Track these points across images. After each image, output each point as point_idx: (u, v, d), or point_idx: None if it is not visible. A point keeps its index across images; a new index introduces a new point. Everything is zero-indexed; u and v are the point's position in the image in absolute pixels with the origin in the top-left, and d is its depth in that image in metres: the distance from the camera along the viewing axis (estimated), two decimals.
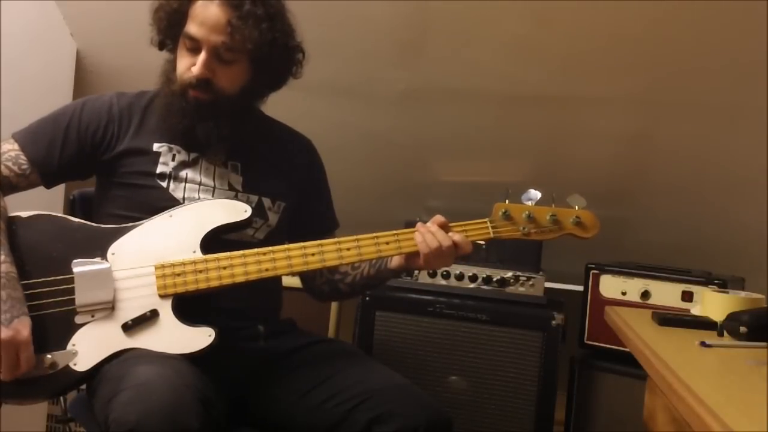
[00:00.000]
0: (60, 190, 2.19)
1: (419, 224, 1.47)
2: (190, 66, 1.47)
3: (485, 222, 1.50)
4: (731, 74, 2.08)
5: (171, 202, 1.46)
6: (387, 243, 1.45)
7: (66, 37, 2.42)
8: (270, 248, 1.42)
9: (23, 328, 1.28)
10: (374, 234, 1.46)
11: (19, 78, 2.16)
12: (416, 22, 2.19)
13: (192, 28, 1.46)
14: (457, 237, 1.45)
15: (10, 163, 1.46)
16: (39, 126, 1.52)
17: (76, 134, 1.50)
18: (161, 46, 1.53)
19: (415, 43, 2.24)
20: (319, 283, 1.65)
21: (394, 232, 1.46)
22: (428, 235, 1.44)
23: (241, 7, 1.44)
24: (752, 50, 1.98)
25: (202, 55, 1.45)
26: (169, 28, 1.49)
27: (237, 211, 1.45)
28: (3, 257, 1.32)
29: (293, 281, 1.64)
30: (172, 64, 1.51)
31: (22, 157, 1.47)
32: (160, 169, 1.49)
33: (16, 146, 1.48)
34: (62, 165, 1.50)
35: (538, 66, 2.20)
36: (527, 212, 1.50)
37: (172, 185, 1.48)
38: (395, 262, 1.52)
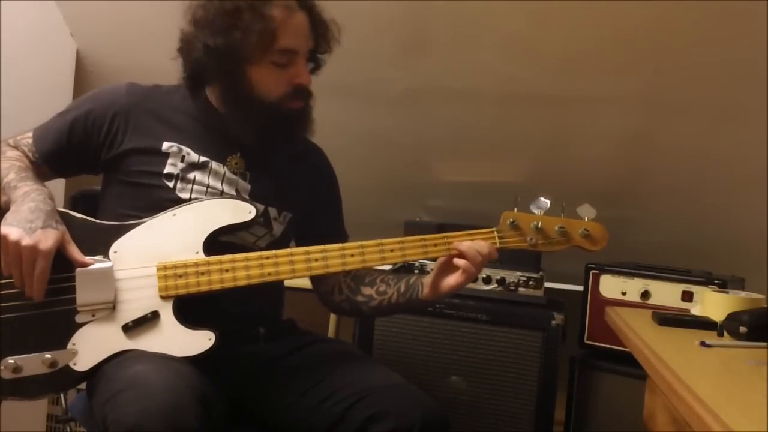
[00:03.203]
0: (61, 188, 2.20)
1: (459, 244, 1.44)
2: (287, 80, 1.46)
3: (492, 232, 1.47)
4: (731, 74, 2.08)
5: (176, 203, 1.44)
6: (392, 250, 1.44)
7: (66, 37, 2.42)
8: (273, 252, 1.41)
9: (46, 239, 1.30)
10: (379, 241, 1.44)
11: (19, 78, 2.16)
12: (416, 22, 2.19)
13: (287, 41, 1.44)
14: (485, 243, 1.43)
15: (26, 149, 1.51)
16: (51, 120, 1.53)
17: (82, 128, 1.49)
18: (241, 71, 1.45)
19: (415, 43, 2.24)
20: (338, 300, 1.60)
21: (400, 239, 1.45)
22: (472, 249, 1.42)
23: (314, 9, 1.49)
24: (752, 50, 1.98)
25: (302, 64, 1.47)
26: (259, 52, 1.43)
27: (241, 211, 1.44)
28: (30, 183, 1.39)
29: (294, 281, 1.63)
30: (239, 84, 1.46)
31: (34, 147, 1.50)
32: (167, 169, 1.47)
33: (31, 138, 1.52)
34: (69, 159, 1.50)
35: (537, 66, 2.20)
36: (536, 222, 1.47)
37: (179, 185, 1.46)
38: (427, 290, 1.49)
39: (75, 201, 1.67)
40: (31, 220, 1.31)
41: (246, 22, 1.41)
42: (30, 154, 1.50)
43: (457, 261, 1.43)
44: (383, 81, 2.33)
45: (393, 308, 1.55)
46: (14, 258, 1.29)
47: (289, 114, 1.49)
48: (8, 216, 1.33)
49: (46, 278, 1.31)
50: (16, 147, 1.51)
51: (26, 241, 1.28)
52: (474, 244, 1.43)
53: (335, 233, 1.64)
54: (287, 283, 1.60)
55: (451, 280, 1.45)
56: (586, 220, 1.49)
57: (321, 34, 1.51)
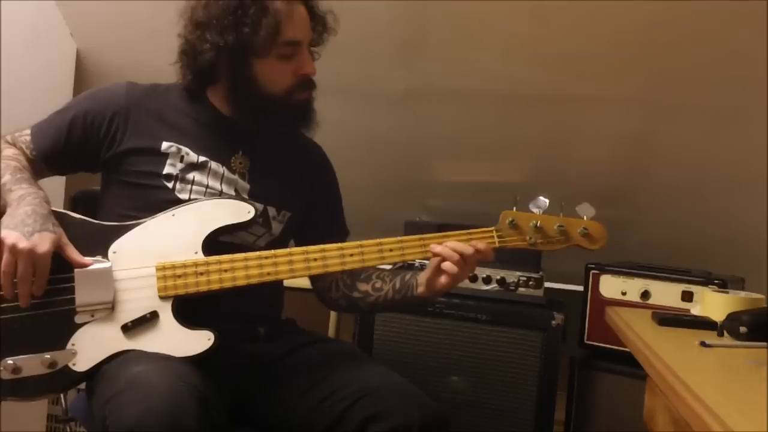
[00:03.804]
0: (60, 189, 2.20)
1: (434, 246, 1.42)
2: (292, 71, 1.48)
3: (491, 231, 1.46)
4: (731, 74, 2.07)
5: (176, 204, 1.44)
6: (391, 250, 1.44)
7: (66, 37, 2.42)
8: (272, 251, 1.41)
9: (43, 242, 1.30)
10: (378, 240, 1.44)
11: (19, 78, 2.16)
12: (416, 22, 2.19)
13: (292, 33, 1.46)
14: (480, 245, 1.42)
15: (24, 146, 1.50)
16: (50, 117, 1.53)
17: (80, 127, 1.49)
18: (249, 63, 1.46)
19: (415, 43, 2.24)
20: (335, 297, 1.61)
21: (399, 238, 1.44)
22: (447, 249, 1.41)
23: (311, 1, 1.52)
24: (752, 50, 1.98)
25: (306, 54, 1.50)
26: (266, 46, 1.44)
27: (240, 211, 1.44)
28: (26, 186, 1.38)
29: (294, 281, 1.63)
30: (248, 81, 1.47)
31: (31, 145, 1.50)
32: (167, 170, 1.47)
33: (29, 135, 1.51)
34: (67, 158, 1.50)
35: (537, 66, 2.20)
36: (535, 222, 1.46)
37: (178, 186, 1.46)
38: (422, 289, 1.49)
39: (75, 201, 1.67)
40: (27, 224, 1.31)
41: (252, 16, 1.43)
42: (28, 152, 1.49)
43: (443, 264, 1.42)
44: (383, 81, 2.32)
45: (389, 304, 1.56)
46: (11, 262, 1.29)
47: (296, 106, 1.51)
48: (4, 220, 1.33)
49: (45, 281, 1.31)
50: (14, 144, 1.50)
51: (23, 244, 1.28)
52: (451, 244, 1.42)
53: (336, 230, 1.65)
54: (287, 282, 1.60)
55: (442, 280, 1.44)
56: (585, 218, 1.48)
57: (320, 25, 1.55)
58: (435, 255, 1.43)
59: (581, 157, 2.41)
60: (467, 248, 1.41)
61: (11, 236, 1.29)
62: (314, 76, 1.52)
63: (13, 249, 1.28)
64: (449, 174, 2.62)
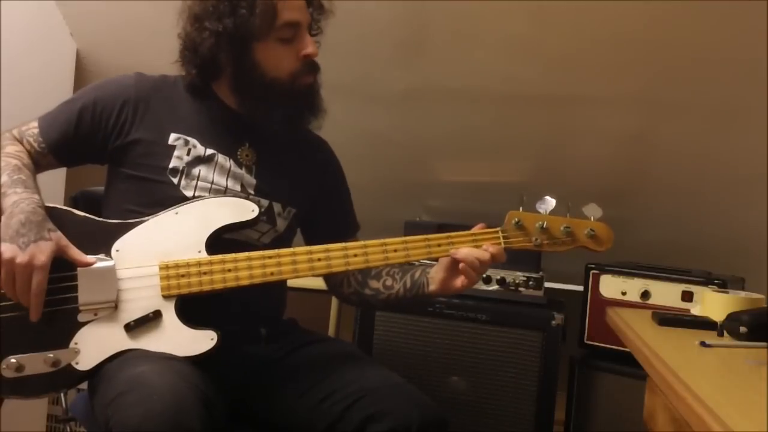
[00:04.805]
0: (61, 189, 2.20)
1: (459, 251, 1.42)
2: (295, 54, 1.48)
3: (497, 232, 1.46)
4: (731, 74, 2.08)
5: (181, 201, 1.44)
6: (395, 250, 1.43)
7: (66, 37, 2.42)
8: (276, 251, 1.41)
9: (40, 253, 1.29)
10: (383, 240, 1.43)
11: (19, 78, 2.16)
12: (416, 22, 2.19)
13: (290, 15, 1.47)
14: (492, 249, 1.43)
15: (31, 139, 1.49)
16: (58, 108, 1.52)
17: (90, 117, 1.48)
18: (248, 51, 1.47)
19: (415, 43, 2.24)
20: (347, 293, 1.62)
21: (403, 239, 1.44)
22: (470, 256, 1.42)
23: None
24: (752, 50, 1.98)
25: (307, 36, 1.50)
26: (265, 28, 1.45)
27: (244, 210, 1.43)
28: (20, 191, 1.35)
29: (295, 281, 1.63)
30: (251, 68, 1.48)
31: (40, 137, 1.49)
32: (173, 163, 1.46)
33: (37, 128, 1.50)
34: (76, 148, 1.49)
35: (537, 65, 2.20)
36: (541, 222, 1.45)
37: (183, 182, 1.46)
38: (434, 287, 1.50)
39: (75, 201, 1.66)
40: (23, 234, 1.29)
41: (247, 0, 1.43)
42: (36, 145, 1.48)
43: (462, 268, 1.43)
44: (383, 81, 2.33)
45: (401, 301, 1.57)
46: (9, 276, 1.28)
47: (301, 91, 1.51)
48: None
49: (44, 293, 1.30)
50: (20, 140, 1.49)
51: (21, 258, 1.27)
52: (473, 251, 1.42)
53: (346, 225, 1.66)
54: (288, 282, 1.60)
55: (457, 282, 1.45)
56: (592, 219, 1.47)
57: (316, 10, 1.55)
58: (458, 261, 1.43)
59: (581, 157, 2.41)
60: (485, 254, 1.42)
61: (9, 250, 1.28)
62: (316, 55, 1.52)
63: (11, 263, 1.27)
64: (449, 174, 2.62)
